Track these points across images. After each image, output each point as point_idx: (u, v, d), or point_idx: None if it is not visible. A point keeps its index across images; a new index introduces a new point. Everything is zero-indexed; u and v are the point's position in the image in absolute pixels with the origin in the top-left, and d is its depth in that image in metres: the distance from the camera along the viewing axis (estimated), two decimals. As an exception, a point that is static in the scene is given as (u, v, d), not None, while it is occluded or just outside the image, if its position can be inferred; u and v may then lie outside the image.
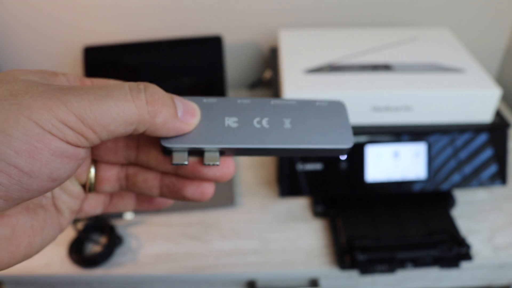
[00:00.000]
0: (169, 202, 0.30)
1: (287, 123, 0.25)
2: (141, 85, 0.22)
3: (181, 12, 0.88)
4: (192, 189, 0.27)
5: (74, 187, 0.27)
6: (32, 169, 0.18)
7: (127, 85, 0.21)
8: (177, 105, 0.23)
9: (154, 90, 0.22)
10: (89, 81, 0.25)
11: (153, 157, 0.26)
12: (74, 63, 0.94)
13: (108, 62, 0.85)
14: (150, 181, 0.27)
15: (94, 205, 0.29)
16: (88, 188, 0.27)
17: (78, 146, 0.20)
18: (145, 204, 0.30)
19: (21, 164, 0.18)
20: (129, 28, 0.90)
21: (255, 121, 0.25)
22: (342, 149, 0.26)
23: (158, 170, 0.27)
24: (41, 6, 0.85)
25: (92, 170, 0.27)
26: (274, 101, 0.26)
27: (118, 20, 0.89)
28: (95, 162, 0.27)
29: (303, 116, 0.26)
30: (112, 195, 0.29)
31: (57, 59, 0.94)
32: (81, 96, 0.19)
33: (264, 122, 0.25)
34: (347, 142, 0.26)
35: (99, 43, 0.85)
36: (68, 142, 0.19)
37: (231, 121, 0.25)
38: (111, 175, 0.28)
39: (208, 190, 0.27)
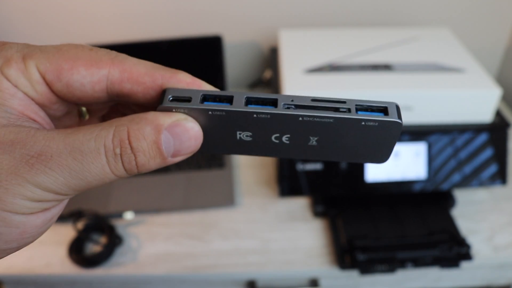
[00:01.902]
0: None
1: (312, 141, 0.21)
2: (118, 147, 0.19)
3: (181, 12, 0.88)
4: None
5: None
6: (24, 244, 0.19)
7: (103, 151, 0.18)
8: (166, 147, 0.20)
9: (131, 156, 0.19)
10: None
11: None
12: (74, 63, 0.94)
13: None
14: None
15: None
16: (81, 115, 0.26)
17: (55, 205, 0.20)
18: None
19: (13, 246, 0.19)
20: (129, 28, 0.90)
21: (273, 137, 0.21)
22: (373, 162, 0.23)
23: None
24: (41, 6, 0.85)
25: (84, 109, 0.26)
26: (304, 118, 0.20)
27: (118, 20, 0.89)
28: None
29: (337, 135, 0.21)
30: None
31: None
32: (55, 174, 0.18)
33: (284, 138, 0.21)
34: (380, 158, 0.22)
35: (99, 43, 0.85)
36: (46, 210, 0.19)
37: (244, 135, 0.21)
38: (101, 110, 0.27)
39: None
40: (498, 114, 0.68)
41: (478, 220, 0.69)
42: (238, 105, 0.20)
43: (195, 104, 0.20)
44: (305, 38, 0.79)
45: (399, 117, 0.20)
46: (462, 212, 0.70)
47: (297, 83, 0.65)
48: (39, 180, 0.18)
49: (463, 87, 0.64)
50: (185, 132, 0.20)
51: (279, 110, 0.20)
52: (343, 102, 0.20)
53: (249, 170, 0.80)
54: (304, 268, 0.63)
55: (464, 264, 0.63)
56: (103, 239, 0.66)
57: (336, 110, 0.20)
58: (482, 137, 0.67)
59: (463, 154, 0.67)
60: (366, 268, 0.60)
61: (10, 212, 0.17)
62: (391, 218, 0.67)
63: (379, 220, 0.67)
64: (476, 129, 0.66)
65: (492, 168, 0.67)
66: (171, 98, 0.20)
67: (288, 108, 0.20)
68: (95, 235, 0.67)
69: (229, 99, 0.20)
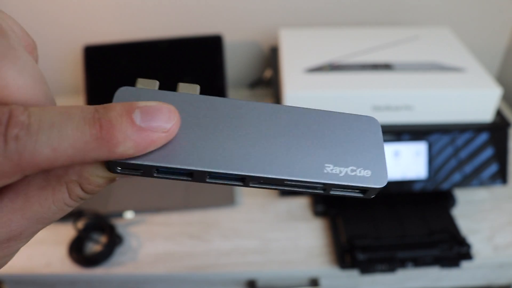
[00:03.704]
0: None
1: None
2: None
3: (181, 11, 0.88)
4: None
5: None
6: None
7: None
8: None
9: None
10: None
11: None
12: (74, 63, 0.94)
13: (108, 61, 0.85)
14: None
15: None
16: None
17: None
18: None
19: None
20: (129, 27, 0.90)
21: None
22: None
23: None
24: (41, 6, 0.85)
25: None
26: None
27: (118, 19, 0.88)
28: None
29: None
30: None
31: (57, 59, 0.94)
32: (29, 238, 0.18)
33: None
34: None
35: (99, 42, 0.85)
36: None
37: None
38: None
39: None
40: (499, 113, 0.68)
41: (479, 220, 0.69)
42: (199, 179, 0.19)
43: (149, 175, 0.18)
44: (306, 38, 0.79)
45: (374, 195, 0.20)
46: (463, 212, 0.70)
47: (297, 82, 0.65)
48: (17, 248, 0.18)
49: (463, 86, 0.64)
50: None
51: (247, 187, 0.19)
52: (321, 186, 0.19)
53: (249, 169, 0.80)
54: (304, 267, 0.63)
55: (465, 264, 0.63)
56: (103, 239, 0.66)
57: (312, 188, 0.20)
58: (483, 137, 0.67)
59: (463, 154, 0.67)
60: (366, 267, 0.60)
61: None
62: (391, 218, 0.67)
63: (379, 219, 0.67)
64: (477, 128, 0.66)
65: (493, 168, 0.67)
66: (119, 170, 0.18)
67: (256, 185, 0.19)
68: (95, 234, 0.67)
69: (188, 174, 0.19)
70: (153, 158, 0.17)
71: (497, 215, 0.70)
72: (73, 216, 0.66)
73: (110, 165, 0.17)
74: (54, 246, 0.66)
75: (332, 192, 0.20)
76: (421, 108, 0.65)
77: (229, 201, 0.72)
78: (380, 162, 0.20)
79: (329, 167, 0.19)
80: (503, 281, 0.71)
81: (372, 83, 0.65)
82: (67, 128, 0.15)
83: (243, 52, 0.96)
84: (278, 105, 0.20)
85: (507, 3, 0.89)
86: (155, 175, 0.18)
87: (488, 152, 0.67)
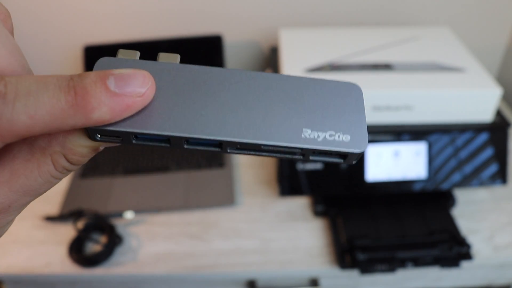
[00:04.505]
0: None
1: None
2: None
3: (181, 11, 0.88)
4: None
5: None
6: None
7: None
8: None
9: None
10: None
11: None
12: (74, 63, 0.94)
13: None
14: None
15: None
16: None
17: None
18: None
19: None
20: (129, 27, 0.90)
21: None
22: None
23: None
24: (41, 6, 0.85)
25: None
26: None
27: (118, 19, 0.88)
28: None
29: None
30: None
31: (57, 59, 0.94)
32: (19, 211, 0.19)
33: None
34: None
35: (100, 42, 0.85)
36: None
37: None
38: None
39: None
40: (499, 113, 0.68)
41: (478, 220, 0.69)
42: (177, 146, 0.19)
43: (128, 142, 0.19)
44: (306, 38, 0.79)
45: (355, 160, 0.20)
46: (462, 212, 0.70)
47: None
48: (7, 221, 0.19)
49: (463, 86, 0.64)
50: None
51: (225, 152, 0.19)
52: (299, 151, 0.19)
53: (249, 169, 0.80)
54: (304, 267, 0.63)
55: (464, 264, 0.63)
56: (103, 239, 0.66)
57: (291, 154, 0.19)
58: (483, 137, 0.67)
59: (463, 154, 0.67)
60: (366, 267, 0.60)
61: None
62: (391, 218, 0.67)
63: (379, 219, 0.67)
64: (477, 128, 0.66)
65: (493, 168, 0.67)
66: (99, 138, 0.18)
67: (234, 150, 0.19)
68: (95, 234, 0.67)
69: (166, 141, 0.19)
70: (131, 124, 0.18)
71: (497, 215, 0.70)
72: (73, 216, 0.66)
73: (90, 132, 0.18)
74: (54, 246, 0.66)
75: (311, 158, 0.19)
76: (421, 108, 0.65)
77: (229, 201, 0.72)
78: (360, 127, 0.19)
79: (307, 131, 0.19)
80: (503, 281, 0.71)
81: (372, 83, 0.65)
82: (43, 96, 0.15)
83: (243, 52, 0.96)
84: (256, 72, 0.20)
85: (507, 3, 0.89)
86: (134, 141, 0.19)
87: (488, 152, 0.67)
